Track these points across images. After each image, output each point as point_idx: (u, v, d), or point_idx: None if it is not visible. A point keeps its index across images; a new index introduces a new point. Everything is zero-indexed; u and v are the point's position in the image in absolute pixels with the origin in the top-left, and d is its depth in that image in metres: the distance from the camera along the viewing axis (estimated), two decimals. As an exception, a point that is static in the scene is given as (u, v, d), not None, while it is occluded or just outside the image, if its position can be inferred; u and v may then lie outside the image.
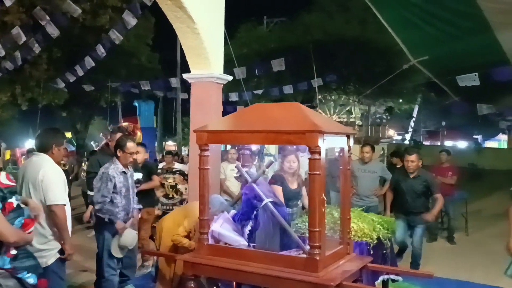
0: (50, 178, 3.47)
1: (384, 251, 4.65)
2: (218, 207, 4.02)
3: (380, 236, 4.45)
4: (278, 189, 4.36)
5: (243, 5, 17.29)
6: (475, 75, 8.83)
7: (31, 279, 2.72)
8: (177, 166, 8.28)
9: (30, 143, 18.95)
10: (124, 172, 4.53)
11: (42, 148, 3.66)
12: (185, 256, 3.62)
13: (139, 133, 14.52)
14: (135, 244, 4.72)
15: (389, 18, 9.73)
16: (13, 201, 2.71)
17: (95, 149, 19.37)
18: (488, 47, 8.46)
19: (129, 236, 4.52)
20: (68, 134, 20.75)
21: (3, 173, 2.76)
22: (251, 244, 3.62)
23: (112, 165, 4.49)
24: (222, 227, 3.74)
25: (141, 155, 5.99)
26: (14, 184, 2.79)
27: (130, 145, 4.53)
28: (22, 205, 2.85)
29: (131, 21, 7.81)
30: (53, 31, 7.40)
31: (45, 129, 3.94)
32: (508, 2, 7.00)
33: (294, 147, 4.82)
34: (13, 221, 2.68)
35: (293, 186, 4.64)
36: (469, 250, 7.72)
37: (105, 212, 4.39)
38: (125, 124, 14.48)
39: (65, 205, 3.53)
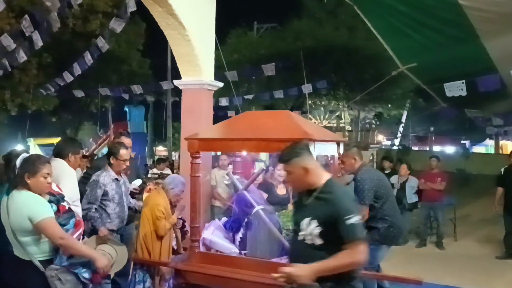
0: (64, 183, 3.67)
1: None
2: (181, 187, 4.30)
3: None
4: (263, 196, 4.39)
5: (233, 11, 17.34)
6: (463, 82, 8.90)
7: (86, 273, 3.07)
8: (168, 171, 8.31)
9: (19, 148, 18.75)
10: (116, 179, 4.50)
11: (60, 155, 3.98)
12: (177, 264, 3.63)
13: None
14: (123, 261, 4.46)
15: (377, 25, 9.82)
16: (65, 204, 3.18)
17: (85, 153, 19.23)
18: (476, 55, 8.55)
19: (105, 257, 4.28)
20: (58, 140, 20.58)
21: (53, 183, 3.24)
22: (243, 252, 3.64)
23: (104, 172, 4.47)
24: (214, 234, 3.76)
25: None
26: (62, 192, 3.31)
27: (123, 152, 4.49)
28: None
29: (118, 26, 7.76)
30: (38, 40, 7.35)
31: (63, 138, 4.17)
32: (494, 11, 7.11)
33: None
34: (68, 220, 3.12)
35: (282, 192, 4.67)
36: (458, 255, 7.81)
37: (89, 219, 4.33)
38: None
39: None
